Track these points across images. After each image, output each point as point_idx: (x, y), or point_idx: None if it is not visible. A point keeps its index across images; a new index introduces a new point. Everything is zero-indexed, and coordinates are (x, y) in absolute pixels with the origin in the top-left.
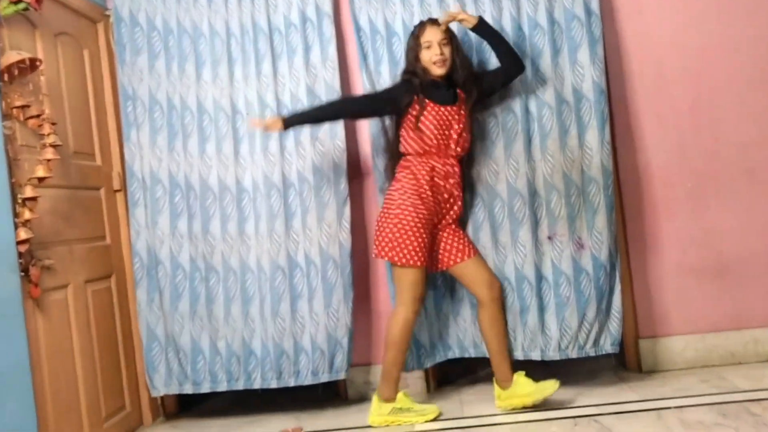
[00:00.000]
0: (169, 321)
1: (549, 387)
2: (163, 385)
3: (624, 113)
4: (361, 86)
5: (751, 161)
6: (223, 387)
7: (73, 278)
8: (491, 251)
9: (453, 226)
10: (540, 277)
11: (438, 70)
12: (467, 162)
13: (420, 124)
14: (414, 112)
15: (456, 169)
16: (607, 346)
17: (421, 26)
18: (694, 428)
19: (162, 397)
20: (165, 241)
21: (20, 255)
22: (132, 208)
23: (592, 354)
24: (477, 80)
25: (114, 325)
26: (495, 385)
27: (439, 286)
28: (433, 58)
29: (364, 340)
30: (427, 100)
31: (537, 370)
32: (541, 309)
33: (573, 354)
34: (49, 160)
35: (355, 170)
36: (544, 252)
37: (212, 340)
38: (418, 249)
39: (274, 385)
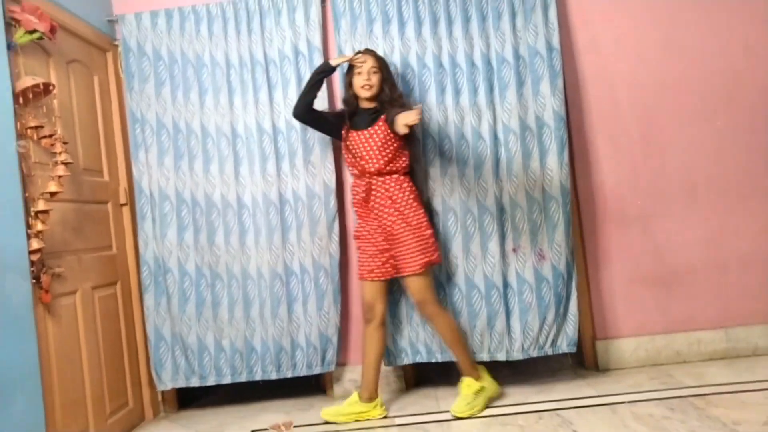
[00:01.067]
0: (177, 322)
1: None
2: (170, 379)
3: (582, 139)
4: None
5: (693, 183)
6: (227, 380)
7: (81, 285)
8: (462, 261)
9: (396, 240)
10: (506, 284)
11: (364, 93)
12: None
13: (345, 149)
14: (345, 139)
15: (385, 185)
16: (564, 346)
17: (356, 55)
18: (645, 421)
19: (162, 394)
20: (173, 251)
21: (32, 263)
22: (141, 222)
23: (551, 353)
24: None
25: (119, 328)
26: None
27: (401, 297)
28: (361, 83)
29: (348, 342)
30: (350, 128)
31: (504, 369)
32: (507, 314)
33: (534, 353)
34: (60, 177)
35: (342, 189)
36: (509, 263)
37: (217, 339)
38: (362, 264)
39: (273, 376)
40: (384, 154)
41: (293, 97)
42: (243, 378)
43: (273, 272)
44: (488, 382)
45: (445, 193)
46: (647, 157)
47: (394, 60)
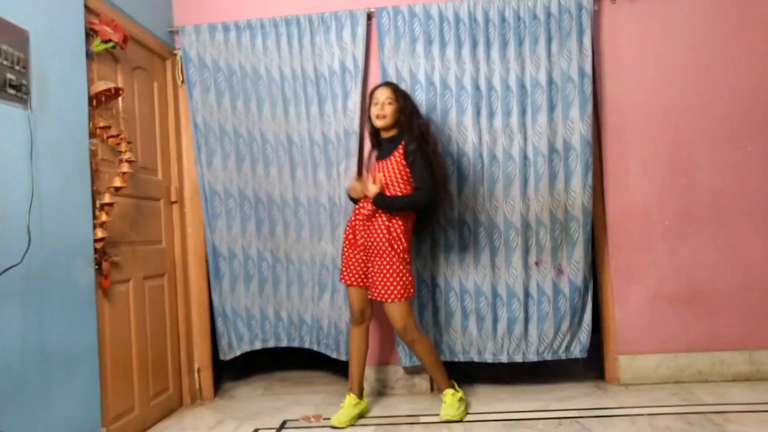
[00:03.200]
0: (241, 298)
1: (443, 413)
2: (237, 347)
3: (615, 159)
4: None
5: (720, 205)
6: (283, 344)
7: (134, 274)
8: (489, 271)
9: (378, 263)
10: (527, 294)
11: (377, 123)
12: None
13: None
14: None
15: (385, 216)
16: (577, 352)
17: (375, 87)
18: None
19: (200, 383)
20: (237, 240)
21: (96, 251)
22: (207, 216)
23: (564, 357)
24: (417, 138)
25: (164, 317)
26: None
27: (429, 301)
28: (375, 113)
29: (374, 343)
30: (376, 159)
31: (528, 378)
32: (526, 320)
33: (548, 357)
34: (124, 173)
35: None
36: (531, 275)
37: (276, 310)
38: (343, 269)
39: (315, 348)
40: (398, 182)
41: (341, 110)
42: (295, 344)
43: (321, 263)
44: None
45: (477, 209)
46: (676, 179)
47: (434, 80)
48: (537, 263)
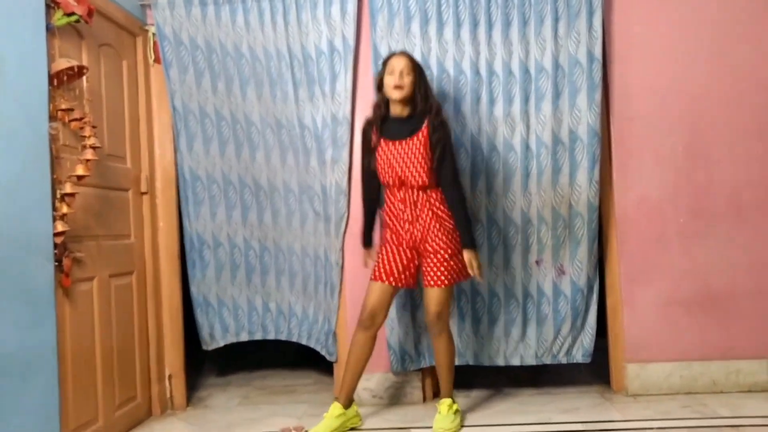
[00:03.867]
0: (228, 288)
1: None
2: (221, 337)
3: (624, 151)
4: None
5: (739, 202)
6: (271, 336)
7: (99, 272)
8: (486, 270)
9: (431, 255)
10: (526, 295)
11: (394, 94)
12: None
13: (376, 159)
14: (374, 145)
15: (417, 198)
16: (579, 356)
17: (391, 55)
18: None
19: (171, 391)
20: (223, 227)
21: (55, 246)
22: (186, 203)
23: (564, 362)
24: (441, 124)
25: (132, 319)
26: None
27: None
28: (393, 83)
29: None
30: (381, 137)
31: (530, 388)
32: (525, 322)
33: (547, 361)
34: (88, 160)
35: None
36: (531, 274)
37: (264, 301)
38: (379, 266)
39: (304, 342)
40: (427, 167)
41: (329, 93)
42: (283, 337)
43: (315, 253)
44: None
45: (475, 204)
46: (692, 173)
47: (431, 63)
48: (537, 262)
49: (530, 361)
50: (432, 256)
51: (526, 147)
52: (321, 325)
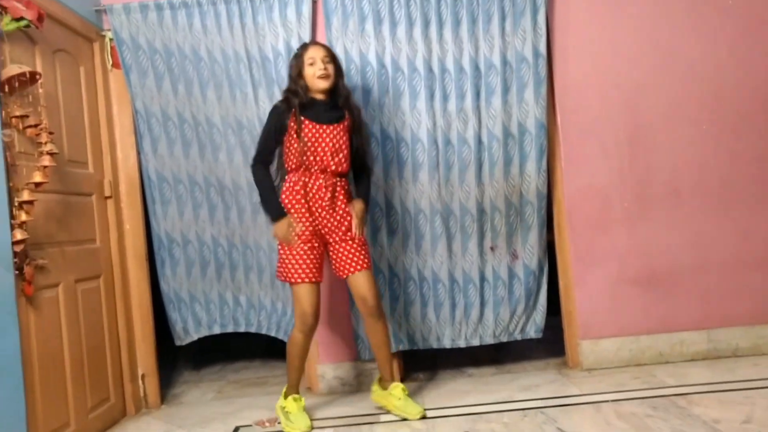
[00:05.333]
0: (199, 284)
1: (411, 412)
2: (194, 331)
3: (572, 141)
4: None
5: (678, 186)
6: (242, 329)
7: (64, 278)
8: (446, 258)
9: (346, 238)
10: (483, 279)
11: (321, 84)
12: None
13: (296, 141)
14: (292, 131)
15: (337, 184)
16: (532, 332)
17: (304, 46)
18: (628, 419)
19: (145, 390)
20: (191, 226)
21: (15, 254)
22: (152, 204)
23: (519, 338)
24: (357, 109)
25: (101, 322)
26: (375, 379)
27: (386, 290)
28: (317, 73)
29: (332, 339)
30: (303, 118)
31: (490, 368)
32: (482, 305)
33: (504, 339)
34: (45, 167)
35: None
36: (486, 260)
37: (235, 295)
38: (297, 266)
39: (273, 334)
40: (347, 153)
41: None
42: (253, 329)
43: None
44: None
45: (433, 196)
46: (634, 160)
47: (386, 61)
48: (492, 248)
49: (489, 340)
50: (350, 240)
51: (479, 140)
52: (289, 317)
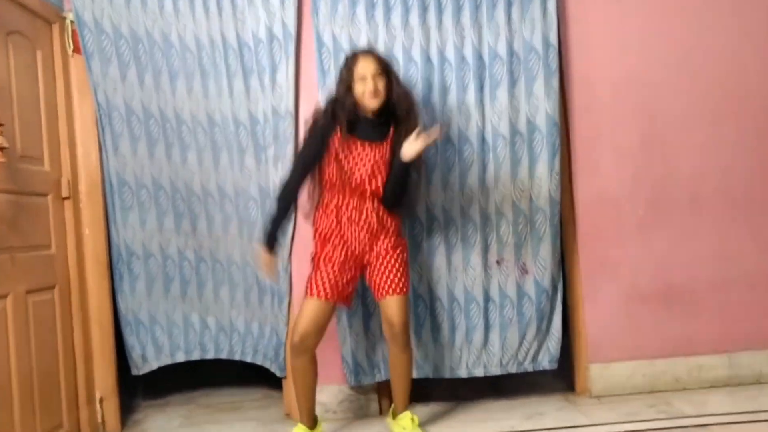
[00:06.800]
0: (161, 304)
1: None
2: (153, 359)
3: (582, 144)
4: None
5: (698, 193)
6: (210, 355)
7: (13, 288)
8: (444, 272)
9: (382, 260)
10: (487, 298)
11: (371, 104)
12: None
13: (339, 158)
14: (335, 146)
15: (372, 205)
16: (545, 362)
17: (355, 58)
18: None
19: (103, 414)
20: (154, 236)
21: None
22: (113, 210)
23: (530, 370)
24: (414, 123)
25: (55, 338)
26: (390, 414)
27: (375, 309)
28: (369, 91)
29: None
30: (349, 135)
31: (491, 393)
32: (487, 328)
33: (512, 369)
34: None
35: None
36: (492, 275)
37: (202, 317)
38: (317, 280)
39: (249, 359)
40: (384, 173)
41: (269, 85)
42: (224, 355)
43: (251, 263)
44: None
45: (431, 202)
46: (650, 164)
47: (373, 45)
48: (498, 262)
49: (495, 370)
50: (382, 260)
51: (483, 139)
52: (268, 339)
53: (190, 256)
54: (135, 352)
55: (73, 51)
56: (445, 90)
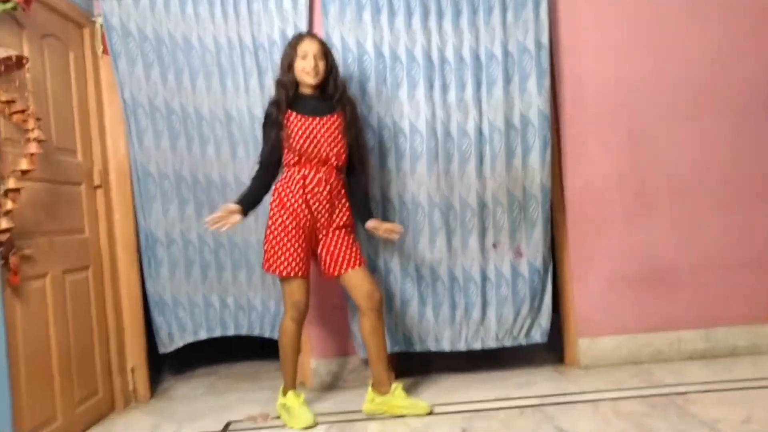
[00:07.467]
0: (183, 286)
1: (421, 408)
2: (179, 338)
3: (571, 137)
4: None
5: (678, 183)
6: (230, 332)
7: (51, 268)
8: (445, 254)
9: (339, 234)
10: (485, 278)
11: (308, 80)
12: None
13: (290, 136)
14: (285, 124)
15: (333, 178)
16: (537, 336)
17: (300, 37)
18: (626, 418)
19: (134, 383)
20: (176, 224)
21: (1, 244)
22: (141, 200)
23: (524, 343)
24: (351, 104)
25: (90, 314)
26: (369, 389)
27: (382, 287)
28: (306, 68)
29: (328, 333)
30: (293, 112)
31: (485, 365)
32: (484, 305)
33: (508, 343)
34: (32, 154)
35: None
36: (488, 257)
37: (221, 297)
38: (290, 259)
39: (267, 335)
40: (344, 146)
41: None
42: (244, 331)
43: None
44: None
45: (431, 189)
46: (634, 156)
47: (384, 51)
48: (494, 245)
49: (491, 343)
50: (341, 235)
51: (480, 132)
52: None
53: (210, 242)
54: (162, 331)
55: (103, 52)
56: (445, 88)
